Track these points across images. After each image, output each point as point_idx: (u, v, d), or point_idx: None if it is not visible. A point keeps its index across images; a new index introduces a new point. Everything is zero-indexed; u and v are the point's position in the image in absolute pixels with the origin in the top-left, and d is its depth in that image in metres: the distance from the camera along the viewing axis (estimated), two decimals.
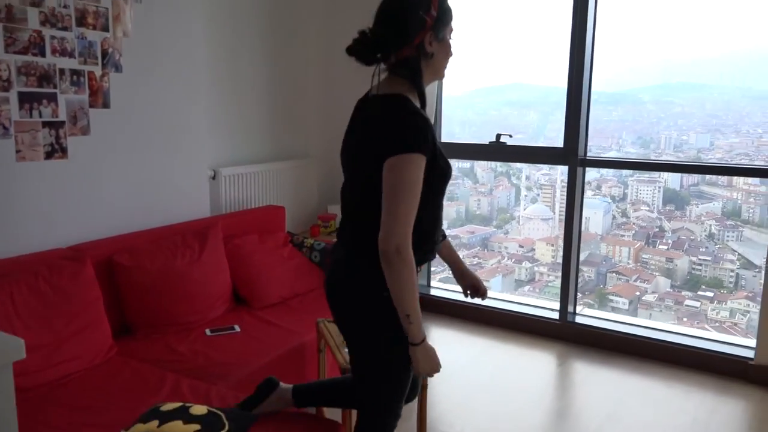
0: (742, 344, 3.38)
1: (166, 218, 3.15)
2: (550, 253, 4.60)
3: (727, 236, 3.99)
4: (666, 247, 4.22)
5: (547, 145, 3.97)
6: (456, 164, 4.64)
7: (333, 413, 2.37)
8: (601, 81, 3.70)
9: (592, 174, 4.28)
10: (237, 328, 2.77)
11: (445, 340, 3.71)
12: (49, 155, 2.61)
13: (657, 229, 4.27)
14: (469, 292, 1.98)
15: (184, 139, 3.23)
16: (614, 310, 4.15)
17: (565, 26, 3.55)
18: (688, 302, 4.03)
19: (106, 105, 2.81)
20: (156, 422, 1.71)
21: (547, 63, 4.11)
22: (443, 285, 4.39)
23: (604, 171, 4.34)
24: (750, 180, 3.87)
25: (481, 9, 4.16)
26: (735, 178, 3.92)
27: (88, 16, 2.69)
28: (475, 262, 4.81)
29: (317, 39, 4.32)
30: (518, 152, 3.97)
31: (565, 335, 3.77)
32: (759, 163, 3.62)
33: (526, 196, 4.82)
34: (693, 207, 4.14)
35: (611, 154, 4.08)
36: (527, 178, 4.86)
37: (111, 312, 2.59)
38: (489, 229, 4.92)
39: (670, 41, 3.79)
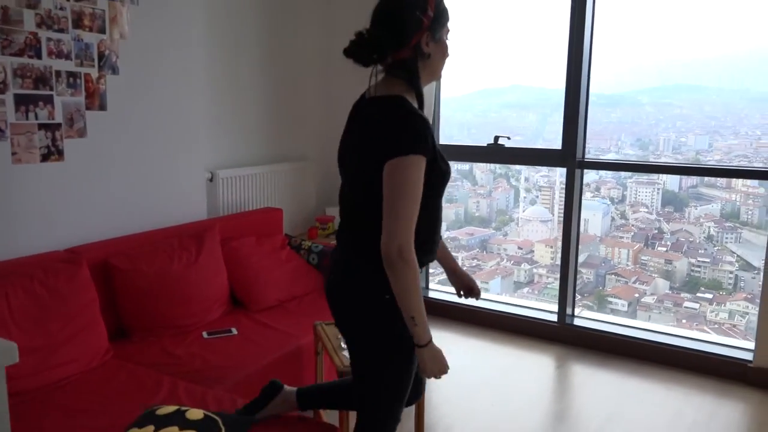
0: (741, 347, 3.38)
1: (162, 220, 3.14)
2: (549, 255, 4.60)
3: (726, 238, 3.99)
4: (665, 249, 4.21)
5: (545, 147, 3.96)
6: (455, 166, 4.64)
7: (331, 417, 2.36)
8: (600, 83, 3.70)
9: (591, 176, 4.28)
10: (234, 331, 2.76)
11: (443, 343, 3.65)
12: (45, 158, 2.60)
13: (656, 231, 4.26)
14: (462, 292, 1.97)
15: (182, 142, 3.23)
16: (613, 311, 4.14)
17: (564, 28, 3.54)
18: (687, 304, 4.02)
19: (102, 107, 2.80)
20: (152, 427, 1.70)
21: (545, 65, 4.11)
22: (441, 287, 4.38)
23: (603, 173, 4.33)
24: (749, 182, 3.86)
25: (479, 11, 4.16)
26: (734, 180, 3.92)
27: (85, 18, 2.68)
28: (474, 264, 4.81)
29: (315, 41, 4.31)
30: (516, 154, 3.96)
31: (564, 338, 3.76)
32: (757, 164, 3.61)
33: (525, 197, 4.82)
34: (692, 209, 4.13)
35: (610, 156, 4.07)
36: (526, 179, 4.85)
37: (107, 315, 2.58)
38: (488, 231, 4.92)
39: (669, 43, 3.79)
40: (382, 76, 1.63)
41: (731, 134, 3.91)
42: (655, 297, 4.13)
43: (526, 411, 2.93)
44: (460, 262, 5.19)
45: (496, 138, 3.90)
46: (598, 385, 3.22)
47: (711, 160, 3.86)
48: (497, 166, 4.84)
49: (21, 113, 2.49)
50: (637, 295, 4.18)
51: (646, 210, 4.27)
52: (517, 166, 4.71)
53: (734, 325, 3.83)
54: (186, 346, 2.59)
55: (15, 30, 2.44)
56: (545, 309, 3.98)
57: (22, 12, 2.45)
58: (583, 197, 3.77)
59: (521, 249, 4.72)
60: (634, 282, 4.22)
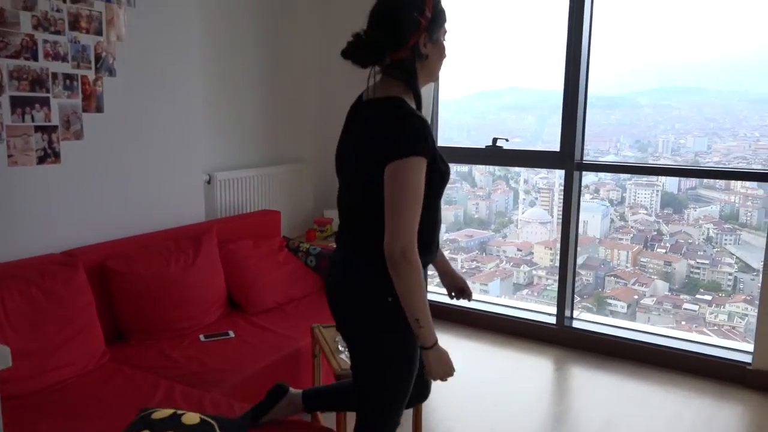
0: (740, 349, 3.37)
1: (160, 223, 3.13)
2: (548, 257, 4.59)
3: (725, 240, 3.98)
4: (664, 251, 4.21)
5: (544, 149, 3.95)
6: (454, 168, 4.63)
7: (328, 421, 2.35)
8: (599, 84, 3.69)
9: (590, 178, 4.27)
10: (231, 334, 2.75)
11: (442, 345, 3.66)
12: (41, 160, 2.59)
13: (655, 233, 4.26)
14: (453, 293, 1.96)
15: (179, 144, 3.22)
16: (613, 313, 4.14)
17: (562, 30, 3.54)
18: (686, 306, 4.02)
19: (99, 109, 2.79)
20: None
21: (544, 67, 4.10)
22: (439, 289, 4.37)
23: (602, 174, 4.33)
24: (747, 183, 3.86)
25: (478, 13, 4.15)
26: (732, 181, 3.91)
27: (82, 20, 2.68)
28: (473, 266, 4.80)
29: (312, 43, 4.31)
30: (515, 156, 3.96)
31: (562, 340, 3.75)
32: (756, 166, 3.61)
33: (524, 199, 4.81)
34: (691, 210, 4.13)
35: (609, 158, 4.07)
36: (525, 181, 4.85)
37: (104, 318, 2.56)
38: (487, 233, 4.91)
39: (668, 45, 3.78)
40: (379, 78, 1.63)
41: (730, 136, 3.90)
42: (655, 299, 4.12)
43: (525, 413, 2.92)
44: (459, 264, 5.17)
45: (495, 140, 3.90)
46: (597, 387, 3.21)
47: (710, 161, 3.85)
48: (496, 168, 4.83)
49: (17, 115, 2.48)
50: (636, 296, 4.17)
51: (645, 212, 4.27)
52: (516, 168, 4.71)
53: (733, 327, 3.82)
54: (183, 349, 2.58)
55: (11, 32, 2.43)
56: (544, 311, 3.97)
57: (18, 14, 2.44)
58: (582, 199, 3.77)
59: (520, 251, 4.72)
60: (634, 284, 4.21)
